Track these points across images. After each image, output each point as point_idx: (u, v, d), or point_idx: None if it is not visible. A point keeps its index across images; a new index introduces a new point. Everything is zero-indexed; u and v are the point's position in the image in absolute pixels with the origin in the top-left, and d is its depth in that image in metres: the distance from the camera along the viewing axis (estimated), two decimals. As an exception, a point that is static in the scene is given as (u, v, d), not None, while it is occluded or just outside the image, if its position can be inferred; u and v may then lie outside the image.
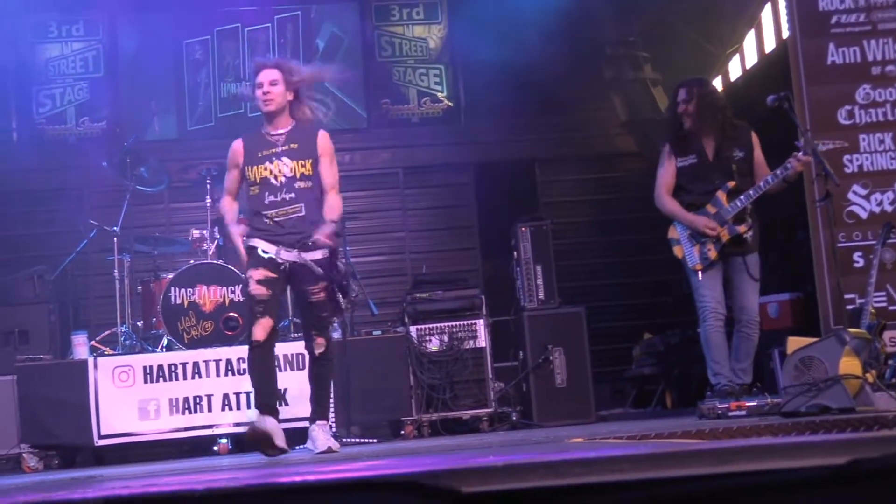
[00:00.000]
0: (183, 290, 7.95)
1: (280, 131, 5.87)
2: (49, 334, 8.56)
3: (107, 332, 8.61)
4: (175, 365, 7.57)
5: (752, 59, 9.77)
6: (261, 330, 5.69)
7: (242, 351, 7.48)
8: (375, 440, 7.32)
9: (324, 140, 5.91)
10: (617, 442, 4.78)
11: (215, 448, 7.60)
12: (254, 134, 6.00)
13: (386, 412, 7.88)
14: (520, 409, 8.09)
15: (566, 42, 10.25)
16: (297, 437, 7.29)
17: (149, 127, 10.67)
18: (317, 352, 5.90)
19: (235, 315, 7.82)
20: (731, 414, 6.25)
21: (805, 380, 5.77)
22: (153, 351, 7.87)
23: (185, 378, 7.56)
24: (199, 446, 7.72)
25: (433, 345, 7.92)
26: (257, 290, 5.73)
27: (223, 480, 2.66)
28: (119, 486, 2.60)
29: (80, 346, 7.90)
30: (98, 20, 10.69)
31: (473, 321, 7.97)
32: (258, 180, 5.83)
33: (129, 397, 7.43)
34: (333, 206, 5.89)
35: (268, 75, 5.83)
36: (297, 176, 5.78)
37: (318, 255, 5.72)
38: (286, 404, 7.44)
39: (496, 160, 10.87)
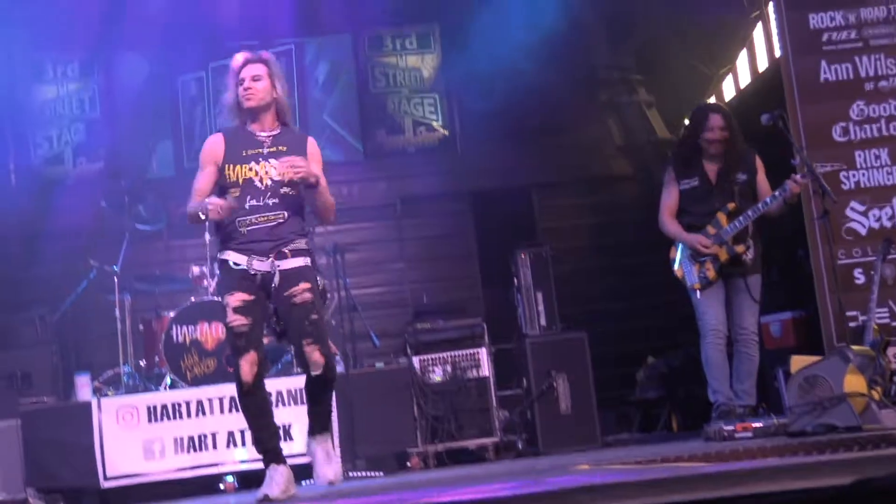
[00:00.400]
0: (185, 327, 7.95)
1: (267, 133, 5.39)
2: (52, 376, 8.53)
3: (109, 373, 8.59)
4: (179, 403, 7.56)
5: (745, 78, 9.78)
6: (247, 366, 5.20)
7: (245, 387, 7.49)
8: (381, 473, 7.30)
9: (313, 147, 5.51)
10: (623, 468, 4.77)
11: (221, 486, 7.57)
12: (236, 130, 5.47)
13: (391, 444, 7.87)
14: (525, 437, 8.05)
15: (560, 67, 10.26)
16: (303, 472, 7.28)
17: (146, 165, 10.67)
18: (313, 371, 5.23)
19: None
20: (737, 436, 6.22)
21: (810, 399, 5.76)
22: (156, 390, 7.88)
23: (189, 416, 7.55)
24: (205, 485, 7.67)
25: (436, 375, 7.91)
26: (235, 320, 5.23)
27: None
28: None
29: (84, 387, 7.90)
30: (93, 60, 10.69)
31: (476, 350, 7.96)
32: (240, 181, 5.29)
33: (133, 437, 7.42)
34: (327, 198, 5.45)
35: (251, 70, 5.35)
36: (285, 181, 5.24)
37: (293, 263, 5.27)
38: (290, 439, 7.42)
39: (493, 187, 10.86)
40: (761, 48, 9.37)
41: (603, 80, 11.17)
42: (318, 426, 5.49)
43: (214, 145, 5.43)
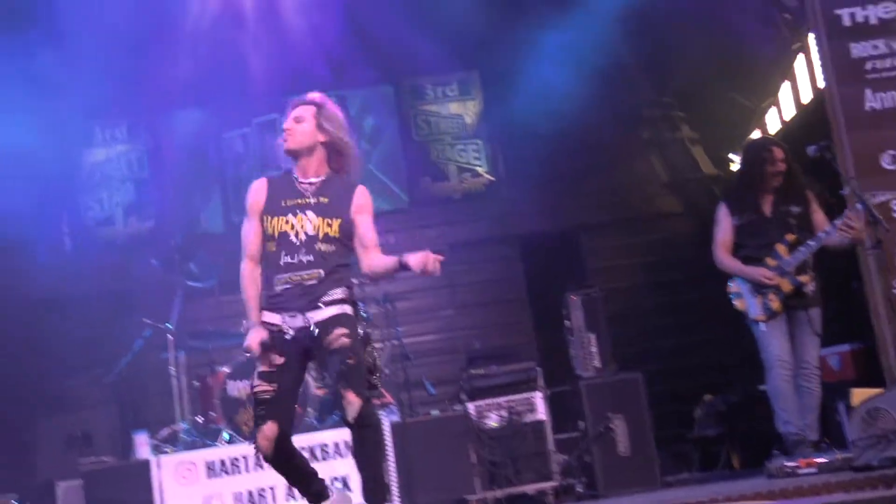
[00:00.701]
0: (239, 382, 8.01)
1: (311, 179, 5.05)
2: (111, 436, 8.64)
3: (167, 430, 8.64)
4: (237, 458, 7.58)
5: (789, 110, 9.72)
6: (263, 440, 4.85)
7: (302, 440, 7.52)
8: (442, 522, 7.26)
9: (362, 196, 5.08)
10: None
11: (281, 539, 7.58)
12: (281, 176, 5.15)
13: (449, 492, 7.80)
14: (584, 481, 7.96)
15: (602, 107, 10.29)
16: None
17: (195, 222, 10.79)
18: (350, 415, 4.73)
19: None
20: (800, 472, 6.15)
21: (874, 432, 5.69)
22: (214, 445, 7.90)
23: (247, 471, 7.56)
24: (265, 538, 7.70)
25: (492, 421, 7.86)
26: (259, 386, 4.91)
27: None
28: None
29: (142, 445, 7.97)
30: (140, 122, 10.89)
31: (531, 394, 7.91)
32: (276, 234, 4.97)
33: (193, 494, 7.45)
34: (383, 257, 5.06)
35: (296, 112, 5.11)
36: (320, 236, 4.93)
37: (327, 313, 4.91)
38: (349, 490, 7.41)
39: (541, 230, 10.86)
40: (804, 79, 9.32)
41: (645, 119, 11.16)
42: (370, 500, 4.91)
43: (256, 193, 5.12)
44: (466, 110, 11.13)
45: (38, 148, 9.48)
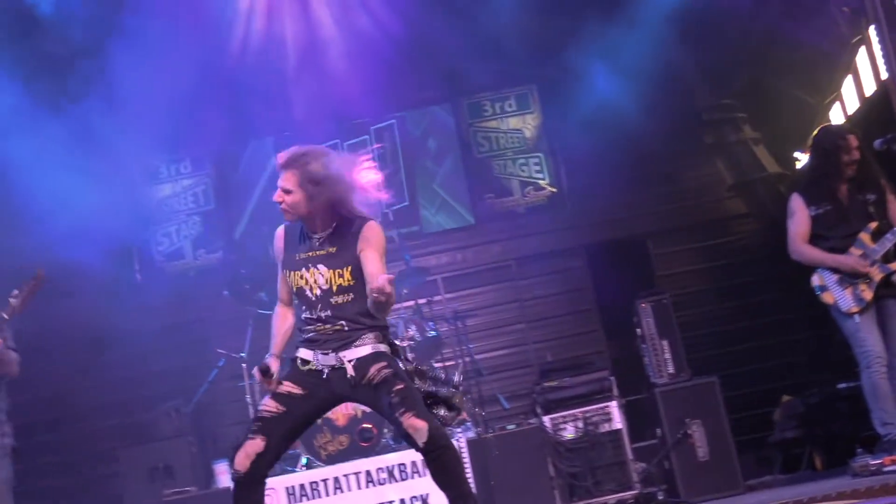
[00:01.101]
0: (316, 406, 8.01)
1: (319, 234, 4.85)
2: (192, 466, 8.68)
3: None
4: (316, 482, 7.62)
5: (853, 105, 9.59)
6: (243, 454, 4.63)
7: (381, 461, 7.57)
8: (524, 536, 7.23)
9: (368, 231, 4.80)
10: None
11: (364, 560, 7.59)
12: (296, 225, 4.95)
13: (530, 506, 7.81)
14: (665, 488, 7.91)
15: (662, 113, 10.23)
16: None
17: (263, 252, 10.89)
18: (419, 441, 4.52)
19: (369, 426, 7.88)
20: (885, 469, 6.02)
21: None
22: (293, 471, 7.91)
23: (327, 494, 7.60)
24: (348, 560, 7.73)
25: (568, 432, 7.84)
26: (264, 404, 4.77)
27: None
28: None
29: (223, 474, 8.03)
30: (203, 155, 11.06)
31: (606, 404, 7.88)
32: (294, 289, 4.86)
33: (276, 519, 7.49)
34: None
35: (280, 181, 4.82)
36: (334, 289, 4.77)
37: (361, 352, 4.74)
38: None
39: (607, 239, 10.82)
40: (867, 72, 9.19)
41: (707, 122, 11.06)
42: None
43: (277, 242, 5.02)
44: (526, 124, 11.13)
45: (105, 187, 9.67)
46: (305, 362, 4.80)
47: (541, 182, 11.03)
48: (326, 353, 4.74)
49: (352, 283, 4.76)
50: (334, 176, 4.76)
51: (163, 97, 9.36)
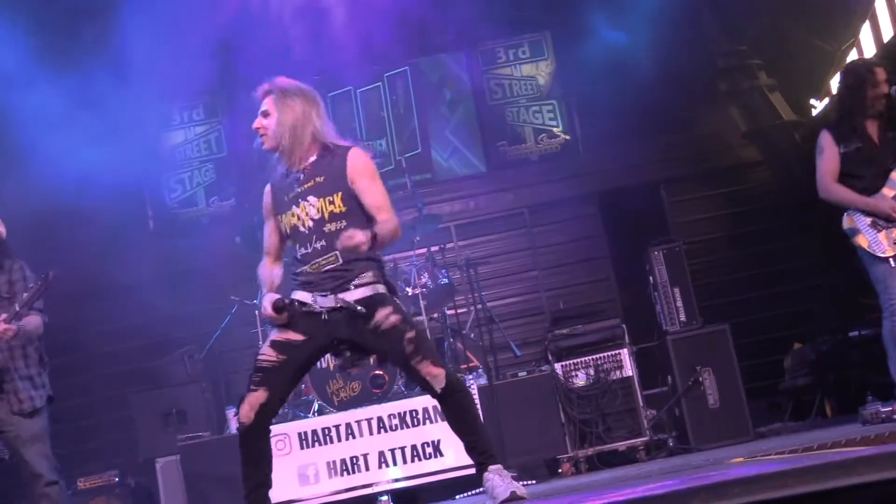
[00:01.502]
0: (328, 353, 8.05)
1: (302, 166, 4.74)
2: (205, 412, 8.77)
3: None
4: (328, 428, 7.65)
5: (870, 51, 9.52)
6: (247, 407, 4.61)
7: (392, 408, 7.60)
8: (534, 481, 7.27)
9: (355, 158, 4.71)
10: (779, 457, 4.66)
11: (376, 506, 7.67)
12: (281, 175, 4.84)
13: (541, 452, 7.87)
14: (675, 435, 7.97)
15: (676, 60, 10.17)
16: (458, 486, 7.35)
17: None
18: (437, 387, 4.53)
19: (381, 372, 7.90)
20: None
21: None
22: (305, 417, 7.97)
23: (339, 440, 7.63)
24: (359, 506, 7.80)
25: (580, 380, 7.87)
26: (264, 353, 4.68)
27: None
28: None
29: (236, 420, 8.06)
30: (216, 102, 11.07)
31: (617, 351, 7.90)
32: (289, 231, 4.75)
33: (287, 464, 7.51)
34: (382, 230, 4.56)
35: (262, 106, 4.81)
36: (326, 217, 4.64)
37: (359, 293, 4.62)
38: (441, 455, 7.49)
39: (620, 187, 10.80)
40: (885, 18, 9.11)
41: (721, 69, 11.01)
42: (483, 458, 4.61)
43: (266, 197, 4.90)
44: (539, 71, 11.09)
45: (117, 133, 9.69)
46: (303, 304, 4.66)
47: (554, 130, 11.00)
48: (325, 295, 4.62)
49: (343, 209, 4.65)
50: (309, 94, 4.78)
51: (175, 44, 9.35)
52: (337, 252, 4.60)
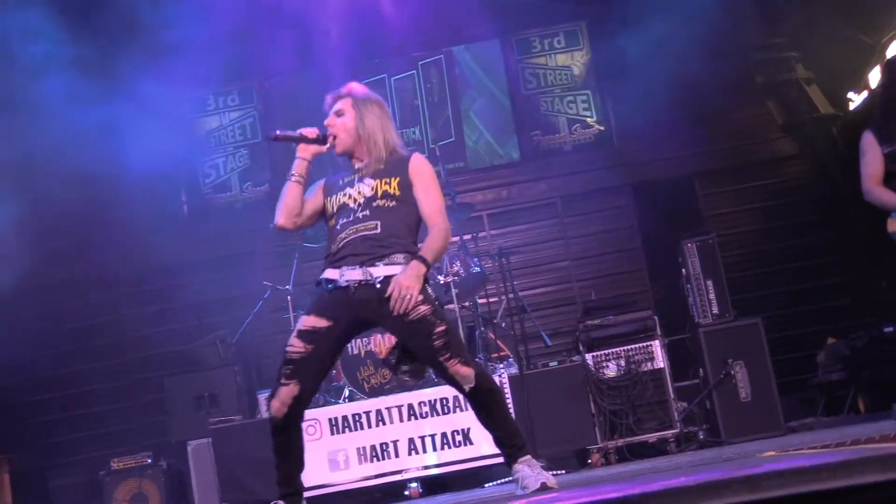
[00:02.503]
0: (359, 340, 8.13)
1: (366, 160, 4.87)
2: (237, 395, 8.87)
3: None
4: (359, 414, 7.70)
5: (911, 43, 9.43)
6: (277, 402, 4.60)
7: (422, 395, 7.64)
8: (563, 471, 7.27)
9: (418, 160, 4.83)
10: (812, 452, 4.64)
11: (406, 493, 7.69)
12: (346, 172, 4.98)
13: (570, 442, 7.87)
14: (706, 428, 7.96)
15: (712, 52, 10.11)
16: (487, 475, 7.38)
17: (309, 185, 10.94)
18: (466, 386, 4.52)
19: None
20: (929, 413, 6.00)
21: None
22: (336, 402, 8.02)
23: (370, 427, 7.68)
24: (388, 492, 7.83)
25: (611, 370, 7.86)
26: (291, 345, 4.64)
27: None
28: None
29: (267, 407, 8.12)
30: (251, 88, 11.14)
31: (649, 343, 7.88)
32: (336, 209, 4.80)
33: (318, 450, 7.57)
34: (435, 237, 4.68)
35: (336, 105, 4.97)
36: (378, 194, 4.71)
37: (387, 271, 4.59)
38: (470, 443, 7.52)
39: (653, 179, 10.78)
40: (925, 11, 9.02)
41: (758, 62, 10.95)
42: (513, 451, 4.66)
43: (314, 188, 4.99)
44: (574, 61, 11.08)
45: (152, 119, 9.75)
46: (330, 282, 4.66)
47: (588, 120, 10.99)
48: (353, 268, 4.61)
49: (397, 193, 4.72)
50: (383, 103, 4.94)
51: (211, 29, 9.40)
52: (377, 222, 4.66)
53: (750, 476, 2.23)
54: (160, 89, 9.67)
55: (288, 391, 4.58)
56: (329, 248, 4.78)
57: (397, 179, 4.74)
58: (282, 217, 4.89)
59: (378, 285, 4.59)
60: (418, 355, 4.69)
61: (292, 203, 4.86)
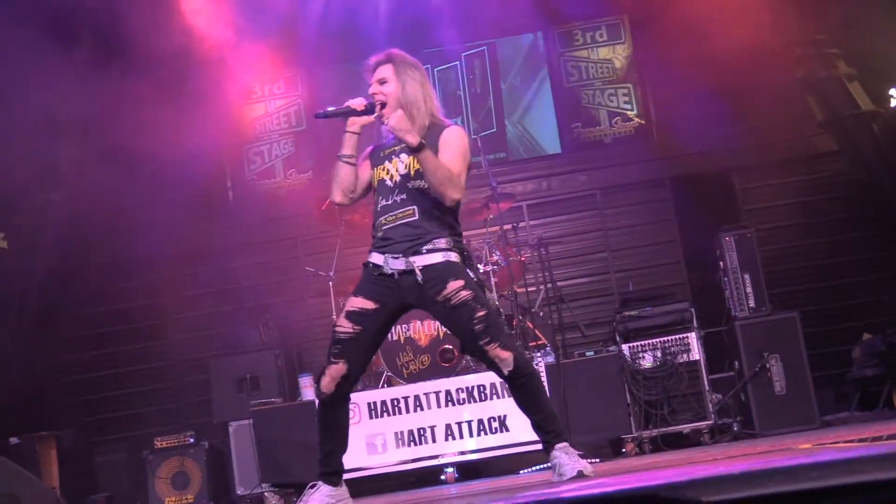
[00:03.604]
0: (398, 326, 8.20)
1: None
2: (278, 378, 8.97)
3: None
4: (397, 399, 7.82)
5: (956, 40, 9.39)
6: (328, 379, 4.68)
7: (460, 381, 7.74)
8: (598, 460, 7.35)
9: (451, 130, 4.84)
10: (848, 446, 4.68)
11: (442, 478, 7.79)
12: (388, 141, 4.95)
13: (605, 431, 7.97)
14: (740, 420, 8.00)
15: (753, 47, 10.11)
16: (523, 461, 7.48)
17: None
18: (505, 370, 4.59)
19: (450, 347, 8.03)
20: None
21: None
22: (375, 387, 8.14)
23: (407, 412, 7.79)
24: (424, 477, 7.95)
25: (647, 361, 7.93)
26: (341, 325, 4.72)
27: None
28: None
29: (307, 387, 8.27)
30: (296, 77, 11.23)
31: (685, 334, 7.95)
32: (376, 184, 4.86)
33: (356, 433, 7.63)
34: (445, 168, 4.66)
35: (378, 73, 4.88)
36: (412, 174, 4.74)
37: (430, 259, 4.68)
38: (507, 430, 7.62)
39: (693, 173, 10.79)
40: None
41: (799, 57, 10.92)
42: (550, 436, 4.69)
43: (362, 155, 4.95)
44: (616, 55, 11.11)
45: (200, 107, 9.89)
46: (377, 267, 4.74)
47: (628, 113, 11.03)
48: (396, 257, 4.69)
49: None
50: (421, 68, 4.92)
51: (258, 20, 9.52)
52: (414, 207, 4.71)
53: (794, 466, 2.25)
54: (207, 76, 9.82)
55: (337, 369, 4.66)
56: (374, 226, 4.85)
57: None
58: (338, 195, 4.87)
59: (420, 274, 4.66)
60: (459, 339, 4.80)
61: (345, 181, 4.85)
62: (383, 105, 4.83)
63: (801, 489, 2.16)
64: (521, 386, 4.66)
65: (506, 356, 4.57)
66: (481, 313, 4.60)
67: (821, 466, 2.20)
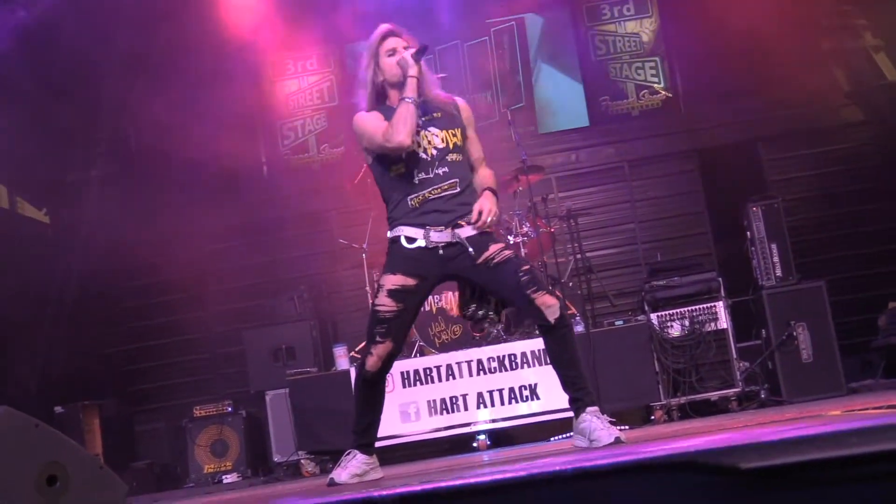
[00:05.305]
0: (431, 297, 8.30)
1: (422, 98, 4.87)
2: (313, 349, 9.12)
3: (363, 343, 9.10)
4: (430, 368, 7.95)
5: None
6: (375, 358, 4.79)
7: (491, 351, 7.87)
8: (628, 427, 7.45)
9: (467, 109, 5.04)
10: (878, 413, 4.71)
11: (474, 445, 7.94)
12: (386, 110, 4.88)
13: (634, 399, 8.05)
14: (767, 387, 8.08)
15: (779, 19, 10.13)
16: (553, 429, 7.60)
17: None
18: (551, 317, 4.63)
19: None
20: None
21: None
22: (408, 357, 8.25)
23: (440, 380, 7.94)
24: (457, 444, 8.08)
25: (675, 330, 8.00)
26: (384, 304, 4.76)
27: (506, 472, 2.50)
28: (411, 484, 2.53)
29: (342, 357, 8.41)
30: (329, 53, 11.36)
31: (713, 304, 8.01)
32: (403, 156, 4.77)
33: (390, 402, 7.66)
34: (489, 174, 4.96)
35: (397, 42, 4.92)
36: (451, 146, 4.82)
37: (472, 231, 4.75)
38: (537, 398, 7.76)
39: (719, 144, 10.85)
40: None
41: (825, 28, 10.93)
42: (581, 394, 4.73)
43: (378, 116, 4.86)
44: (643, 28, 11.15)
45: (234, 83, 10.03)
46: (412, 240, 4.76)
47: (656, 86, 11.09)
48: (440, 230, 4.73)
49: (461, 144, 4.88)
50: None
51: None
52: (457, 180, 4.79)
53: (835, 432, 2.24)
54: (241, 52, 9.94)
55: (384, 348, 4.77)
56: (403, 199, 4.81)
57: (459, 130, 4.89)
58: (408, 137, 4.71)
59: (469, 245, 4.73)
60: (504, 295, 4.79)
61: (413, 123, 4.75)
62: (426, 47, 4.91)
63: (840, 455, 2.16)
64: (562, 337, 4.71)
65: (553, 302, 4.64)
66: (526, 266, 4.72)
67: (860, 432, 2.20)
